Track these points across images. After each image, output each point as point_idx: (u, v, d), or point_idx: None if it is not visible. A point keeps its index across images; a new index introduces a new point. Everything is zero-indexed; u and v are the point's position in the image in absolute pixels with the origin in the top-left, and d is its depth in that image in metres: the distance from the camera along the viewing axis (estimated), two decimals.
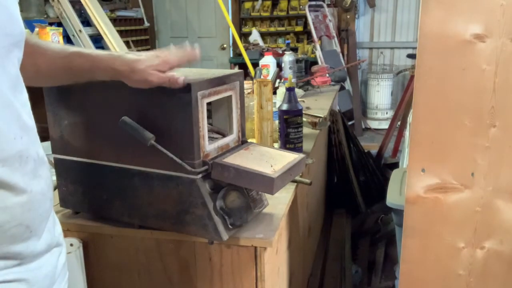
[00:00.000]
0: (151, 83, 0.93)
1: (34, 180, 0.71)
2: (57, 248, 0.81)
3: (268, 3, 5.69)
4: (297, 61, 2.95)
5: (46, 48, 0.92)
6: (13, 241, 0.68)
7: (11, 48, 0.66)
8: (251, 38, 5.51)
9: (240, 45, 3.72)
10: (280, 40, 5.68)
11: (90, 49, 1.00)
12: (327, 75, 3.00)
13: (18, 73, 0.70)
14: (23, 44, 0.71)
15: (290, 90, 1.56)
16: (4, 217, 0.66)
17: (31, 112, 0.73)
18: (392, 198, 1.86)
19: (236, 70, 1.26)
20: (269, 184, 1.00)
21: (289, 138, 1.56)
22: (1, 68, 0.64)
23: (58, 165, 1.18)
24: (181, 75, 0.95)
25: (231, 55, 5.83)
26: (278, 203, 1.25)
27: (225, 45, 5.92)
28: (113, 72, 0.93)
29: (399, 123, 3.86)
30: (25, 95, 0.72)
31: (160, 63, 0.93)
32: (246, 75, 3.00)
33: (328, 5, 5.31)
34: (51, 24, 3.65)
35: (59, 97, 1.12)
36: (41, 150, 0.75)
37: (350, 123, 4.82)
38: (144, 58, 0.93)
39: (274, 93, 2.16)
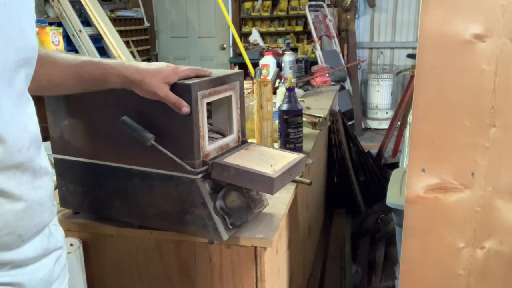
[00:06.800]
0: (158, 97, 0.95)
1: (32, 190, 0.70)
2: (57, 251, 0.80)
3: (268, 3, 5.69)
4: (297, 61, 2.95)
5: (57, 57, 0.93)
6: (3, 249, 0.67)
7: (21, 63, 0.67)
8: (251, 38, 5.51)
9: (240, 45, 3.72)
10: (280, 40, 5.68)
11: (101, 58, 1.02)
12: (327, 75, 3.00)
13: (25, 87, 0.70)
14: (34, 60, 0.71)
15: (290, 90, 1.56)
16: None
17: (37, 123, 0.73)
18: (392, 198, 1.86)
19: (236, 70, 1.26)
20: (269, 184, 1.00)
21: (289, 138, 1.56)
22: (9, 81, 0.64)
23: (58, 165, 1.18)
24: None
25: (231, 55, 5.83)
26: (278, 203, 1.25)
27: (225, 45, 5.92)
28: (125, 80, 0.94)
29: (399, 123, 3.86)
30: (31, 108, 0.72)
31: (171, 72, 0.95)
32: (246, 75, 3.00)
33: (328, 5, 5.31)
34: (51, 24, 3.65)
35: (59, 97, 1.12)
36: (45, 162, 0.75)
37: (350, 123, 4.81)
38: (155, 69, 0.94)
39: (274, 93, 2.16)
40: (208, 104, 1.04)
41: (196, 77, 1.01)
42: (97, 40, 4.19)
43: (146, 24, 5.80)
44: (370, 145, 4.40)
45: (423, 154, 1.28)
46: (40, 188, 0.72)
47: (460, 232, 1.31)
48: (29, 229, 0.71)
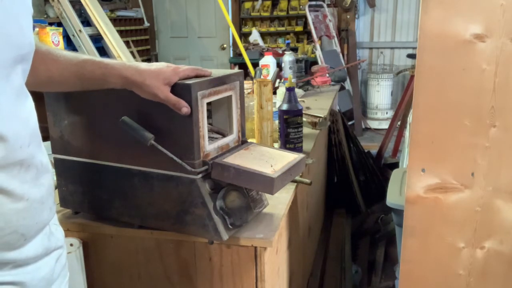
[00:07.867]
0: (158, 98, 0.95)
1: (34, 188, 0.70)
2: (57, 250, 0.80)
3: (268, 3, 5.69)
4: (297, 61, 2.95)
5: (59, 54, 0.93)
6: (6, 248, 0.68)
7: (18, 59, 0.67)
8: (251, 38, 5.51)
9: (240, 45, 3.72)
10: (280, 40, 5.68)
11: (102, 58, 1.01)
12: (327, 75, 3.00)
13: (22, 83, 0.70)
14: (31, 56, 0.72)
15: (290, 90, 1.56)
16: None
17: (36, 119, 0.73)
18: (392, 198, 1.86)
19: (236, 70, 1.26)
20: (269, 184, 1.00)
21: (289, 138, 1.56)
22: (6, 77, 0.64)
23: (58, 165, 1.18)
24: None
25: (231, 55, 5.83)
26: (278, 203, 1.25)
27: (225, 45, 5.92)
28: (125, 81, 0.94)
29: (399, 123, 3.86)
30: (30, 103, 0.72)
31: (171, 73, 0.95)
32: (246, 75, 3.00)
33: (328, 5, 5.31)
34: (51, 24, 3.65)
35: (59, 97, 1.12)
36: (46, 159, 0.75)
37: (350, 123, 4.82)
38: (156, 70, 0.94)
39: (274, 93, 2.16)
40: (208, 104, 1.04)
41: (196, 77, 1.01)
42: (97, 40, 4.19)
43: (146, 24, 5.80)
44: (370, 145, 4.40)
45: (423, 154, 1.28)
46: (42, 186, 0.72)
47: (460, 232, 1.31)
48: (31, 228, 0.71)
